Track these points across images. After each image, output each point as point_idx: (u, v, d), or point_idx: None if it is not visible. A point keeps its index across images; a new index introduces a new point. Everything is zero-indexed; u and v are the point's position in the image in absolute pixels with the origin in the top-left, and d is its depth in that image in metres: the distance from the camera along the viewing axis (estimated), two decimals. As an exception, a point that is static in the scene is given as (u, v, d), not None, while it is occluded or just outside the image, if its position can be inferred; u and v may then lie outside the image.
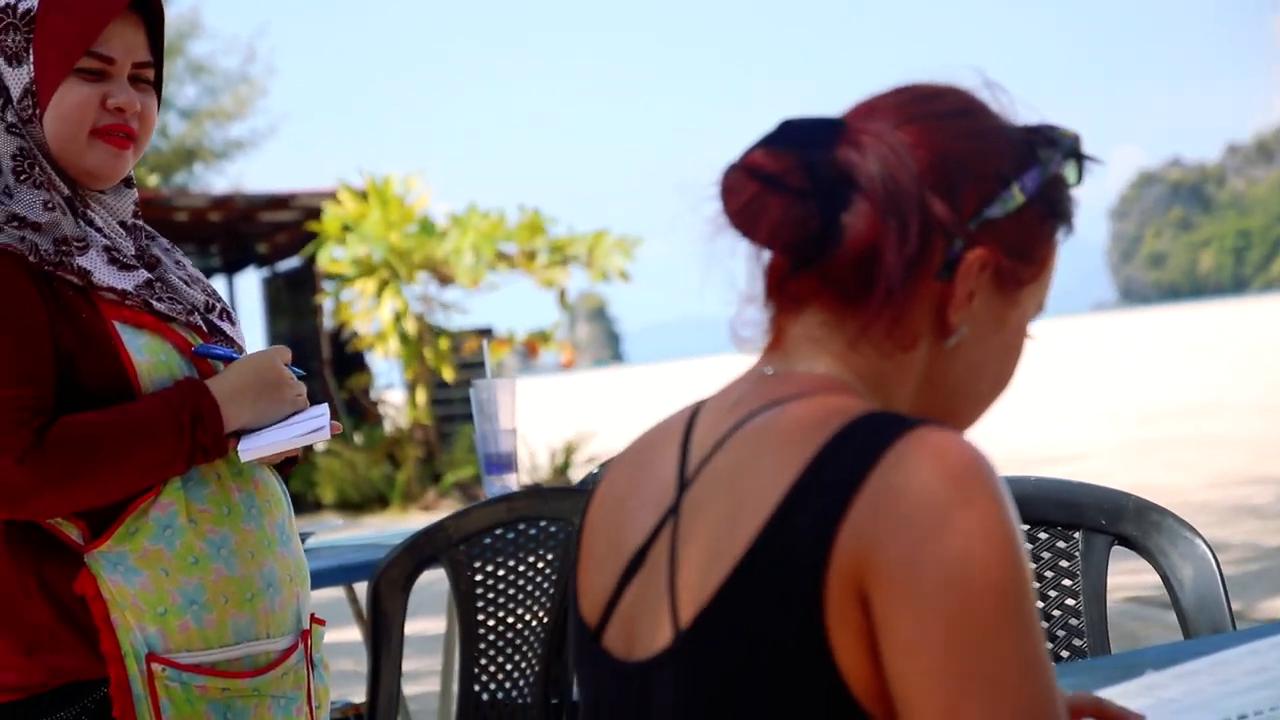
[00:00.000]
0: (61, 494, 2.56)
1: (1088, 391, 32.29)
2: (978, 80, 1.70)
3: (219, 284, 24.65)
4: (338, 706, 4.83)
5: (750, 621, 1.48)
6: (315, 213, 19.82)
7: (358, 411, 20.90)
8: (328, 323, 21.01)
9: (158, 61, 2.80)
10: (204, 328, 2.78)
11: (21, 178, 2.67)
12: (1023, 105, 1.71)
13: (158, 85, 2.81)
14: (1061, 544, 2.85)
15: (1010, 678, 1.42)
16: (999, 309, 1.66)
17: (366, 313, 18.85)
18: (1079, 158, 1.69)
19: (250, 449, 2.69)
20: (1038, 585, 2.84)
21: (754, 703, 1.48)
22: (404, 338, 18.87)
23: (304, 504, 19.72)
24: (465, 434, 19.26)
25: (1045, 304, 1.73)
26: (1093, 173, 1.70)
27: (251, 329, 25.49)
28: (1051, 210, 1.67)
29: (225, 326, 2.84)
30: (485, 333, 19.79)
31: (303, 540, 4.85)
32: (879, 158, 1.57)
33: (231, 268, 23.88)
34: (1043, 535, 2.85)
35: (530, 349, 19.52)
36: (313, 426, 2.74)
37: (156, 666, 2.59)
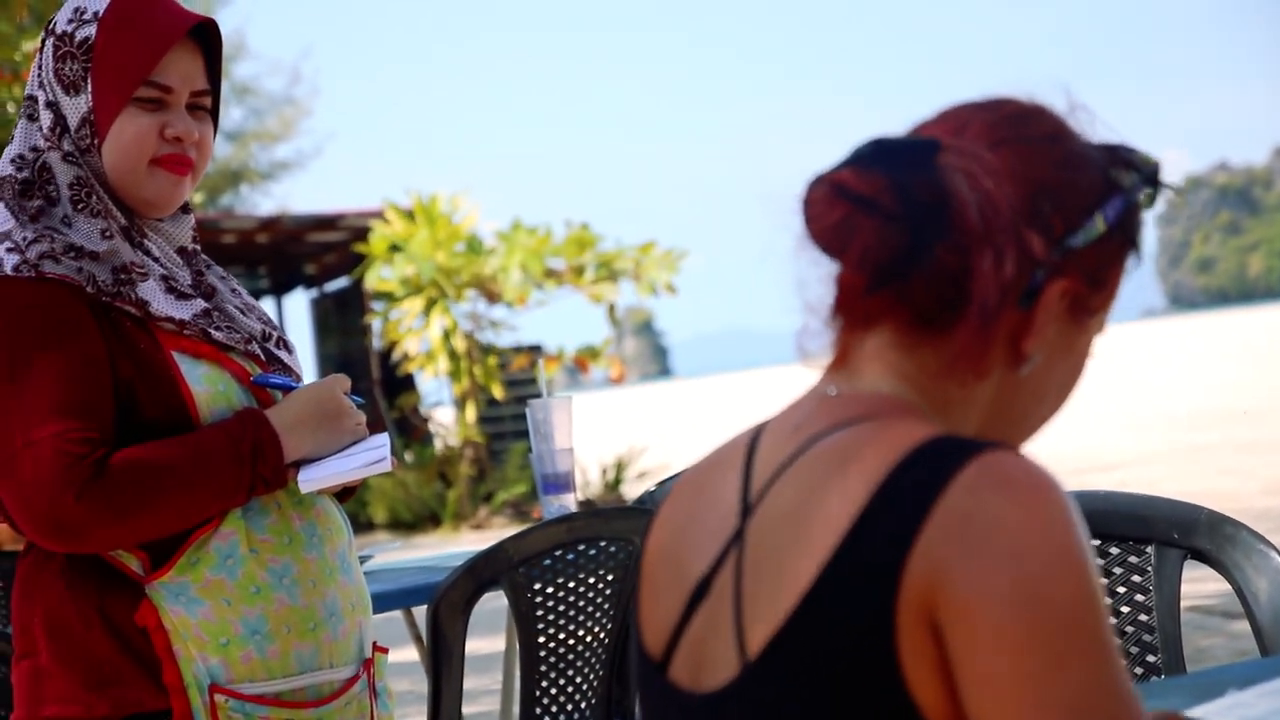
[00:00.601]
0: (121, 528, 2.54)
1: (1139, 397, 32.11)
2: (1063, 98, 1.68)
3: (267, 305, 24.75)
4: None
5: (820, 651, 1.45)
6: (362, 233, 19.87)
7: (408, 431, 20.93)
8: (376, 343, 21.03)
9: (215, 89, 2.79)
10: (262, 356, 2.76)
11: (79, 206, 2.65)
12: (1102, 125, 1.69)
13: (215, 113, 2.80)
14: (1134, 559, 2.81)
15: (1093, 703, 1.39)
16: (1069, 336, 1.64)
17: (415, 332, 18.85)
18: (1157, 185, 1.67)
19: (310, 480, 2.67)
20: (1110, 601, 2.80)
21: None
22: (453, 356, 18.85)
23: (356, 524, 19.70)
24: (516, 452, 19.25)
25: (1106, 326, 1.71)
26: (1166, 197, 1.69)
27: (300, 350, 25.52)
28: (1128, 237, 1.65)
29: (283, 355, 2.82)
30: (534, 350, 19.78)
31: (361, 563, 4.84)
32: (975, 184, 1.54)
33: (279, 289, 23.98)
34: (1114, 550, 2.82)
35: (580, 365, 19.49)
36: (373, 458, 2.72)
37: (219, 698, 2.57)
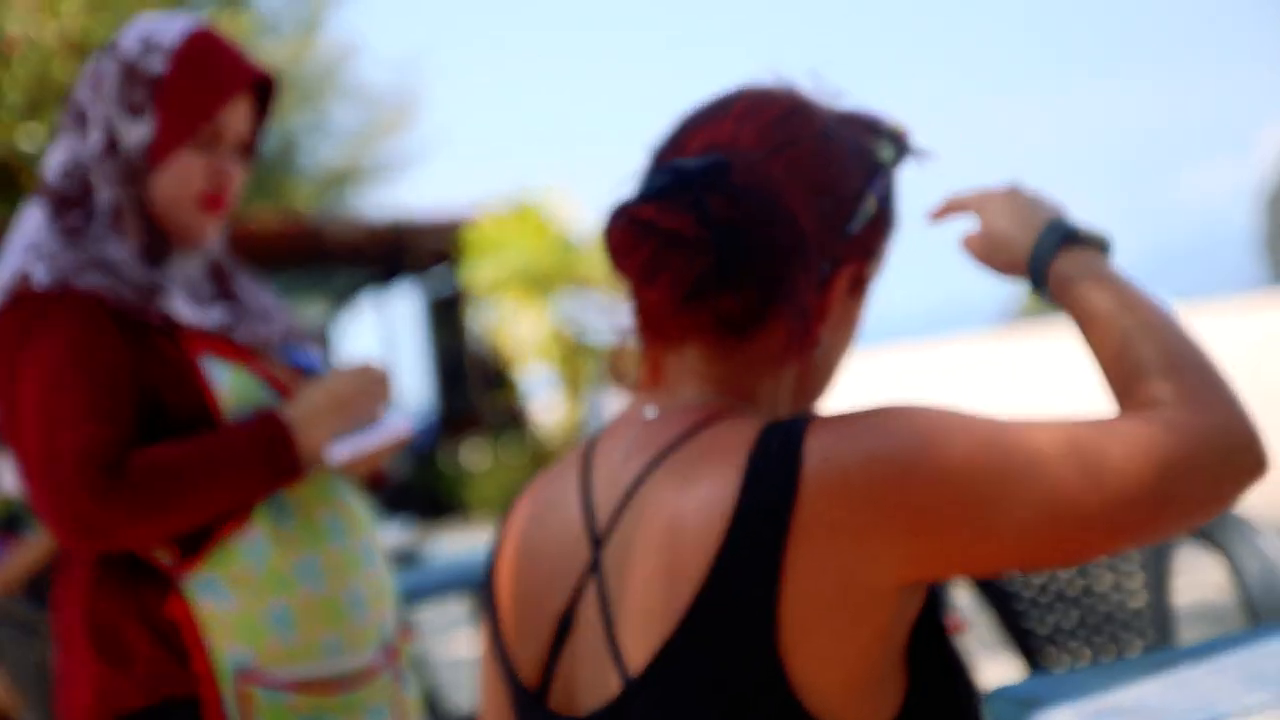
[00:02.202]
0: (142, 526, 2.63)
1: (1232, 375, 31.51)
2: (809, 77, 1.73)
3: (371, 303, 24.96)
4: (463, 715, 4.92)
5: (706, 660, 1.51)
6: (465, 231, 20.04)
7: (509, 425, 21.10)
8: (478, 339, 21.23)
9: (255, 133, 2.92)
10: (291, 363, 2.87)
11: (114, 228, 2.77)
12: (848, 92, 1.74)
13: (250, 153, 2.93)
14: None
15: (1039, 462, 1.46)
16: (848, 308, 1.73)
17: (515, 328, 19.00)
18: (910, 152, 1.74)
19: (338, 455, 2.79)
20: (1106, 583, 2.87)
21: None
22: (552, 351, 18.99)
23: (454, 510, 20.09)
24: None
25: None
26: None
27: (405, 348, 25.78)
28: (890, 204, 1.73)
29: (309, 352, 2.92)
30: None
31: (419, 554, 4.98)
32: (762, 202, 1.59)
33: (383, 288, 24.17)
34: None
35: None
36: (394, 429, 2.85)
37: (248, 685, 2.68)
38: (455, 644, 9.38)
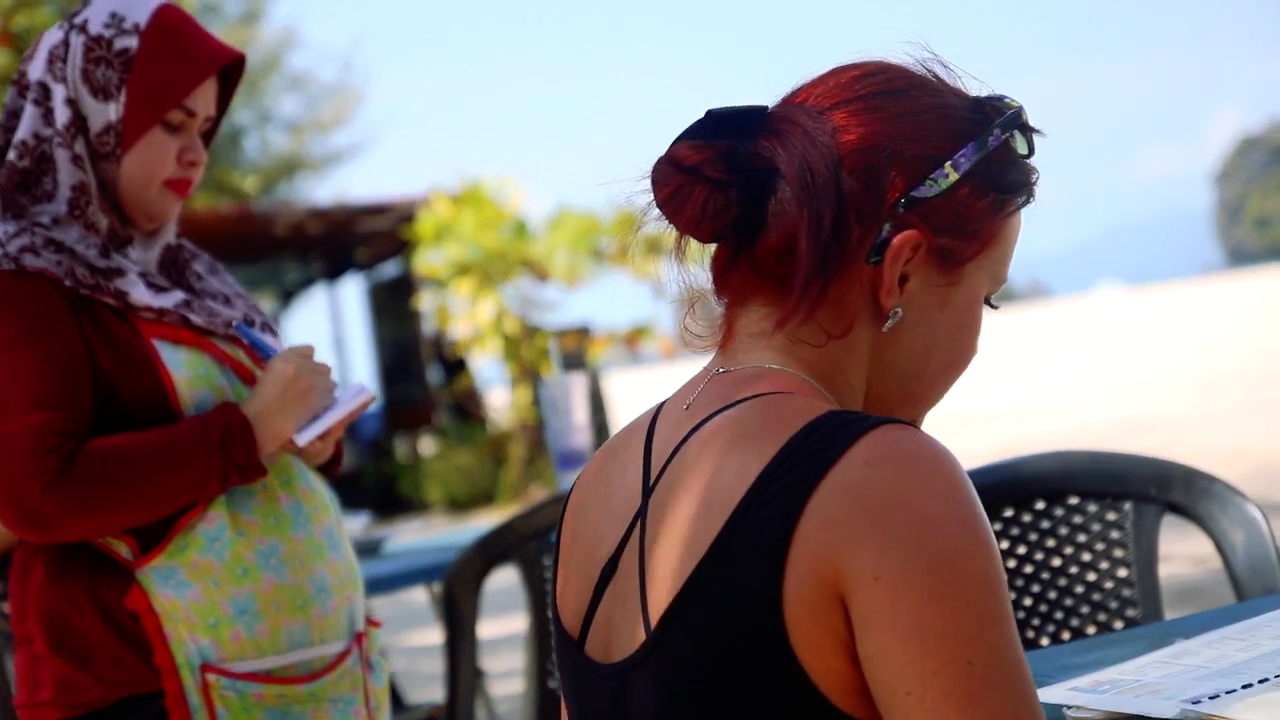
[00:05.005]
0: (90, 518, 2.58)
1: (1194, 356, 31.82)
2: (924, 55, 1.69)
3: (320, 293, 24.89)
4: (423, 708, 4.87)
5: (711, 619, 1.49)
6: (412, 218, 20.01)
7: (462, 413, 21.09)
8: (428, 326, 21.19)
9: (219, 116, 2.87)
10: (245, 340, 2.80)
11: (75, 213, 2.70)
12: (971, 78, 1.69)
13: (211, 136, 2.88)
14: (1112, 515, 2.83)
15: (1008, 664, 1.43)
16: (940, 288, 1.65)
17: (466, 315, 19.00)
18: (1024, 129, 1.67)
19: (305, 435, 2.74)
20: (1088, 558, 2.83)
21: (717, 695, 1.49)
22: (503, 338, 18.99)
23: (413, 505, 20.02)
24: (569, 430, 19.34)
25: (1004, 277, 1.70)
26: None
27: (354, 336, 25.75)
28: (993, 184, 1.64)
29: (268, 339, 2.86)
30: (583, 331, 19.89)
31: (378, 545, 4.92)
32: (797, 146, 1.58)
33: (332, 276, 24.09)
34: (1093, 507, 2.84)
35: (629, 344, 19.61)
36: (356, 397, 2.80)
37: (211, 677, 2.62)
38: (415, 636, 9.35)
